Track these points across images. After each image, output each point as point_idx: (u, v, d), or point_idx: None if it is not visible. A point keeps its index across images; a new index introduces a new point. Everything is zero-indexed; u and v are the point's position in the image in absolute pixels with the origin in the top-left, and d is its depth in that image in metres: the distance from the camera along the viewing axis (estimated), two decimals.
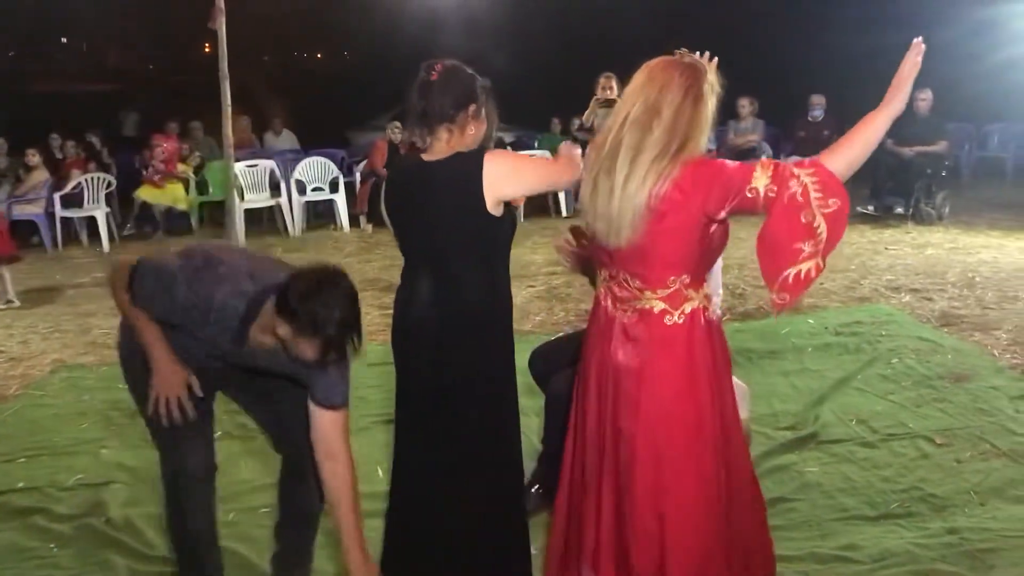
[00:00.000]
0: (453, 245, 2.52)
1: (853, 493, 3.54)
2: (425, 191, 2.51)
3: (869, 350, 5.16)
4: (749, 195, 2.14)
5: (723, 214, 2.22)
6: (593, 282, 3.27)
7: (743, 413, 3.30)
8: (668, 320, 2.33)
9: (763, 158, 2.15)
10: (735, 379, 3.41)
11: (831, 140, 11.32)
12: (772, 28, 15.99)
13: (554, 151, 2.84)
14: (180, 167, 10.30)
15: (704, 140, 2.27)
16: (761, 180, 2.13)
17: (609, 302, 2.44)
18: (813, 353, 5.23)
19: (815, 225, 2.09)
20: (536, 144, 11.92)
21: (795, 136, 10.52)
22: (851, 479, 3.65)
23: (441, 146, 2.51)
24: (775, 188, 2.11)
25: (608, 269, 2.44)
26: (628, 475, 2.37)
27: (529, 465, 3.53)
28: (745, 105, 10.65)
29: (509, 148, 11.24)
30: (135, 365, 2.59)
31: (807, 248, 2.12)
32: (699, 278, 2.36)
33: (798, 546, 3.15)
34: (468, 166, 2.45)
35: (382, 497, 3.02)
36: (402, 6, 11.58)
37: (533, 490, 3.36)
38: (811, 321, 5.85)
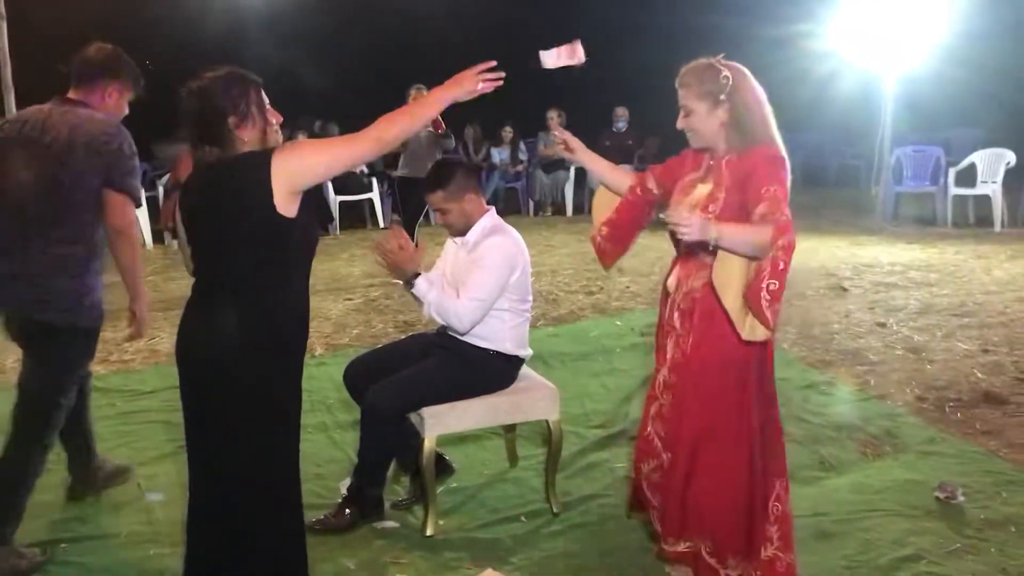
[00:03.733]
0: (236, 250, 2.41)
1: None
2: (211, 191, 2.44)
3: None
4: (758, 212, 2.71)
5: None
6: (406, 284, 3.28)
7: (553, 415, 3.42)
8: None
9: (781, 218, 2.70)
10: (546, 381, 3.53)
11: (634, 150, 11.89)
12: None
13: None
14: None
15: None
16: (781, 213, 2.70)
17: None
18: (621, 354, 5.46)
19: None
20: None
21: (601, 146, 10.94)
22: None
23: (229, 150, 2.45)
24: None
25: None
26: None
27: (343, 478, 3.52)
28: (554, 117, 10.98)
29: None
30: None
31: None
32: None
33: (609, 540, 3.28)
34: (255, 159, 2.38)
35: None
36: (205, 17, 11.21)
37: (347, 511, 3.31)
38: (619, 323, 6.11)
